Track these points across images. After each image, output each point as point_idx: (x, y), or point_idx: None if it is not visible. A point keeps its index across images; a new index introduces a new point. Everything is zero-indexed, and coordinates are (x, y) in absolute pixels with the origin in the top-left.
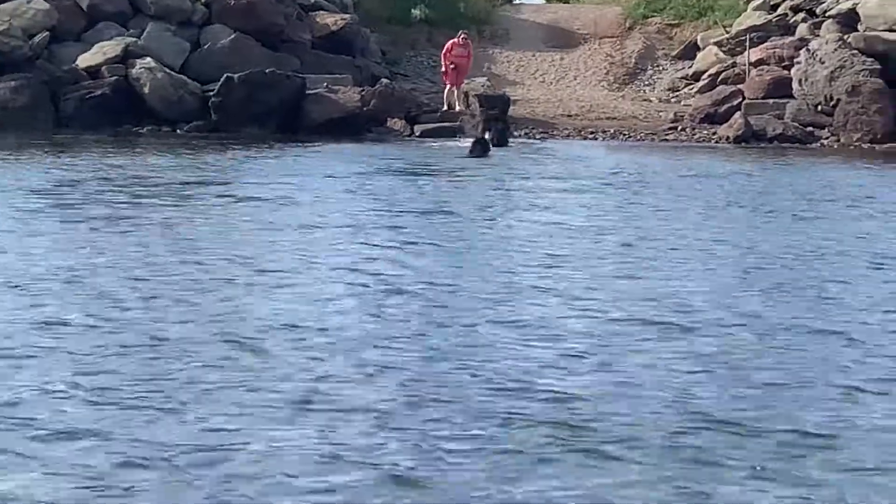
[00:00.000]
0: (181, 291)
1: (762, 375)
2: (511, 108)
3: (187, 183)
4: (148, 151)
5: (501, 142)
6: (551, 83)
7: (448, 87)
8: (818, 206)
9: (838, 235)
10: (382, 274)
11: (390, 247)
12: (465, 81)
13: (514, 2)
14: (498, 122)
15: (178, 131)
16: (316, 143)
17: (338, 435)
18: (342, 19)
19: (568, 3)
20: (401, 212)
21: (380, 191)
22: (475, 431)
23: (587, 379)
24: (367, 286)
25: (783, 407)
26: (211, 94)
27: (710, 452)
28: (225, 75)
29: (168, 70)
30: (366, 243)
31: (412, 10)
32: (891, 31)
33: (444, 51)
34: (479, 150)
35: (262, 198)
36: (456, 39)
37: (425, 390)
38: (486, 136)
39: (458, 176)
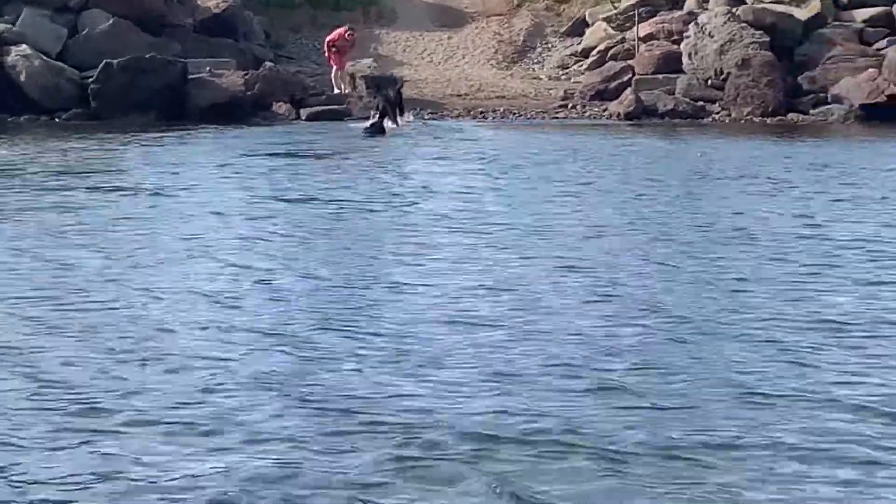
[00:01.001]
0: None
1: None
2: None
3: (58, 173)
4: (22, 141)
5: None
6: (439, 63)
7: (334, 70)
8: (708, 183)
9: (725, 212)
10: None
11: (263, 237)
12: (350, 63)
13: None
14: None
15: (57, 119)
16: (199, 129)
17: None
18: (224, 2)
19: None
20: (281, 199)
21: (261, 177)
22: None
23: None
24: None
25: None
26: (90, 80)
27: None
28: (104, 61)
29: (45, 57)
30: (241, 234)
31: None
32: (778, 2)
33: (328, 38)
34: (374, 129)
35: (132, 187)
36: (341, 30)
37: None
38: (378, 118)
39: (346, 160)
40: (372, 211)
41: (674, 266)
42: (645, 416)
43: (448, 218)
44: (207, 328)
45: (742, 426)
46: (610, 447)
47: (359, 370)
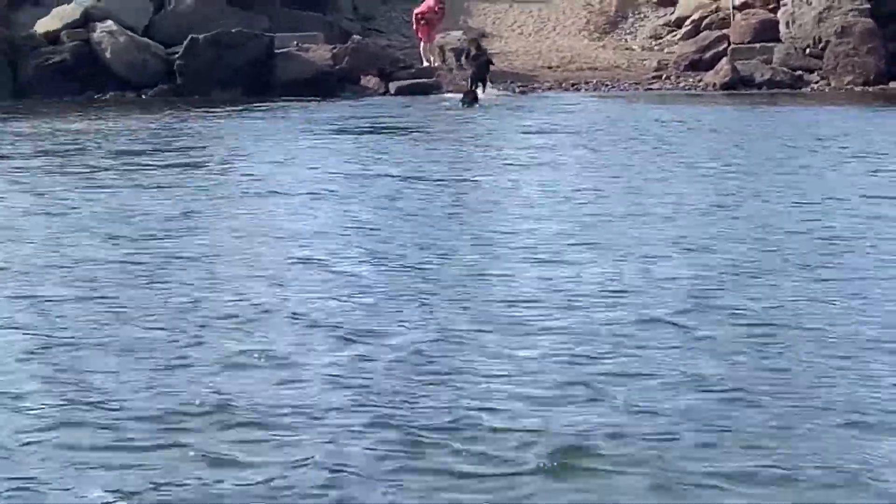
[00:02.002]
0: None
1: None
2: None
3: (139, 152)
4: (109, 117)
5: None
6: (530, 35)
7: (423, 43)
8: (808, 156)
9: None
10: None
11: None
12: (440, 36)
13: None
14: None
15: (144, 96)
16: (286, 104)
17: None
18: None
19: None
20: (378, 175)
21: (356, 151)
22: None
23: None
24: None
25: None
26: (176, 56)
27: None
28: (189, 36)
29: (130, 33)
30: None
31: None
32: None
33: (417, 10)
34: (469, 99)
35: (213, 164)
36: (430, 2)
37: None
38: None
39: (436, 134)
40: (466, 188)
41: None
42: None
43: (542, 197)
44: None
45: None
46: None
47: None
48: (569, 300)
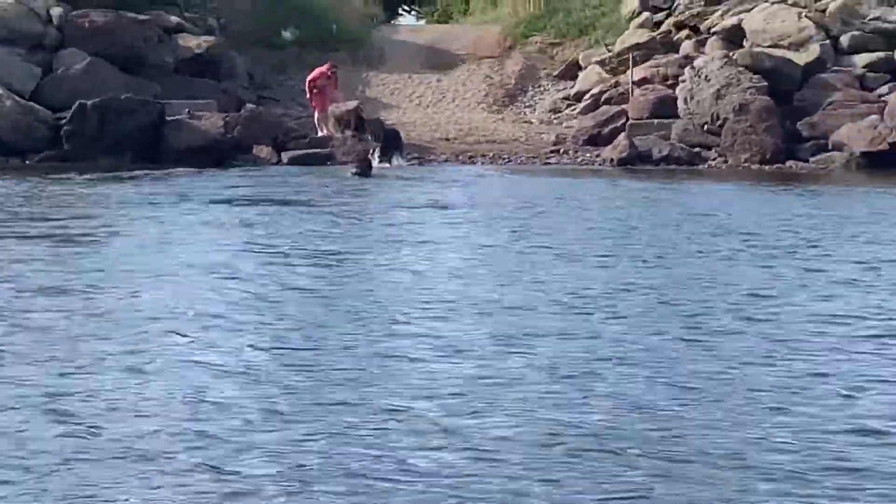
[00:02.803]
0: None
1: None
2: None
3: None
4: None
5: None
6: (428, 106)
7: (317, 112)
8: (707, 239)
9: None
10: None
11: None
12: (335, 106)
13: (392, 22)
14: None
15: (28, 162)
16: (174, 173)
17: None
18: (206, 41)
19: (447, 23)
20: (255, 251)
21: (233, 225)
22: None
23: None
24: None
25: None
26: (63, 122)
27: None
28: (77, 102)
29: (17, 97)
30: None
31: (282, 32)
32: (777, 46)
33: (309, 78)
34: (363, 168)
35: (86, 237)
36: (323, 68)
37: None
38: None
39: (325, 206)
40: (356, 264)
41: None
42: None
43: (437, 277)
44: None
45: None
46: None
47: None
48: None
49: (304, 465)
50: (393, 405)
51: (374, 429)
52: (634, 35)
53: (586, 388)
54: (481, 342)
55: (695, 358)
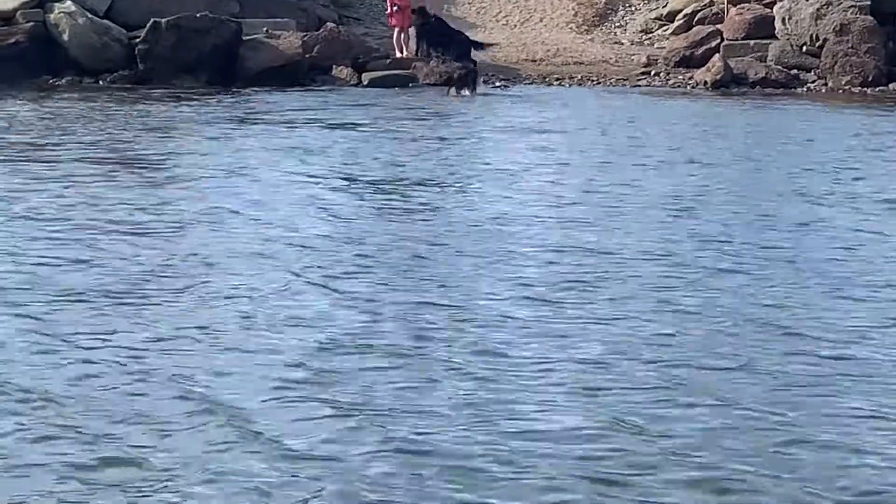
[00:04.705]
0: None
1: None
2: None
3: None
4: (58, 106)
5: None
6: (515, 26)
7: (396, 31)
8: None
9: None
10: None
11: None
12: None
13: None
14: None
15: (101, 83)
16: (251, 94)
17: None
18: None
19: None
20: (353, 179)
21: (324, 152)
22: None
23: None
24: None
25: None
26: (138, 41)
27: None
28: (152, 20)
29: (91, 15)
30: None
31: None
32: None
33: None
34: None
35: (162, 166)
36: None
37: None
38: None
39: (410, 132)
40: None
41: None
42: None
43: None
44: None
45: None
46: None
47: None
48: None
49: None
50: None
51: None
52: None
53: None
54: None
55: None
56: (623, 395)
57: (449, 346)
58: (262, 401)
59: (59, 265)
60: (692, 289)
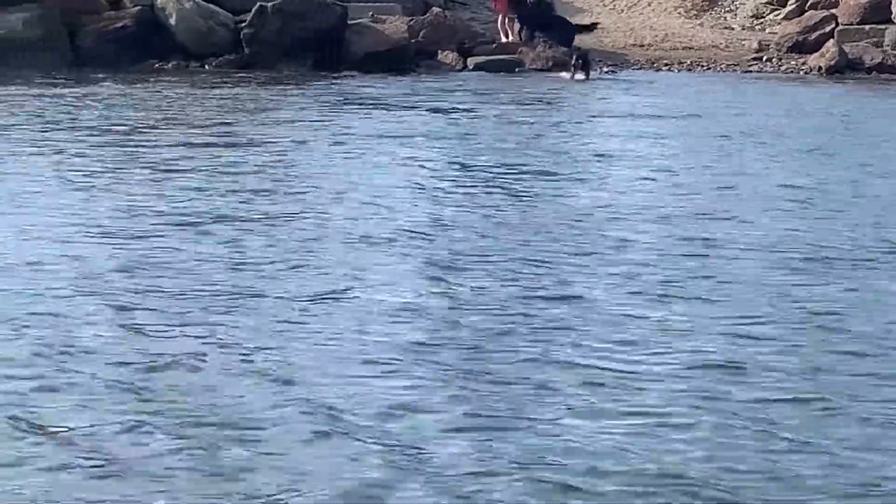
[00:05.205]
0: None
1: None
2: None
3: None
4: (160, 89)
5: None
6: (622, 10)
7: (500, 16)
8: None
9: None
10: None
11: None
12: None
13: None
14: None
15: (207, 67)
16: (357, 79)
17: None
18: None
19: None
20: (461, 165)
21: (432, 137)
22: None
23: None
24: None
25: None
26: (244, 25)
27: None
28: (258, 4)
29: None
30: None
31: None
32: None
33: None
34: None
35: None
36: None
37: None
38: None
39: (518, 117)
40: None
41: None
42: None
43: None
44: None
45: None
46: None
47: None
48: None
49: None
50: None
51: None
52: None
53: None
54: None
55: None
56: (760, 405)
57: (574, 347)
58: (383, 409)
59: (163, 256)
60: (825, 285)
